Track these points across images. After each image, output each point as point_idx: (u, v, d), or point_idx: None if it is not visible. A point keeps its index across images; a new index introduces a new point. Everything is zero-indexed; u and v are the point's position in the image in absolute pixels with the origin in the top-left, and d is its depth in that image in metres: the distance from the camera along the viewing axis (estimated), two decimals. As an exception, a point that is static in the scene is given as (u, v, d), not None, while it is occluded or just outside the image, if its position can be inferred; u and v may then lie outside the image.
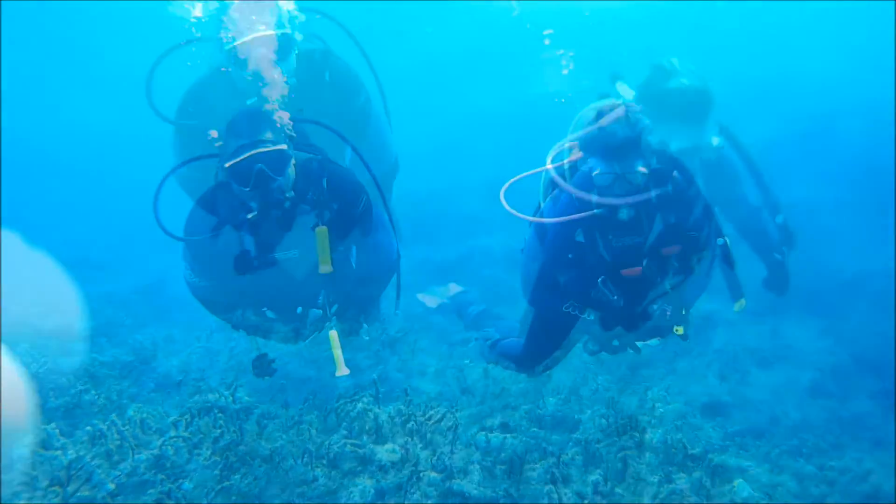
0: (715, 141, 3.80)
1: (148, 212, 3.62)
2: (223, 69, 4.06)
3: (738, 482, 4.98)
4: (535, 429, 3.19)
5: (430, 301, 5.55)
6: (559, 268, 3.68)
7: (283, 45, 3.43)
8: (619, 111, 3.32)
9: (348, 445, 3.42)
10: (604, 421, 3.28)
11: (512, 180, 3.77)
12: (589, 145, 3.41)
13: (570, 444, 3.16)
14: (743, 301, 3.90)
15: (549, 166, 3.67)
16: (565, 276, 3.67)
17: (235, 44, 3.31)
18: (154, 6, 5.66)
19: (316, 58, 3.71)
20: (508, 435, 3.24)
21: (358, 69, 4.73)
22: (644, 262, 3.47)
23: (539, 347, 3.98)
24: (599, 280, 3.58)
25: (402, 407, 3.72)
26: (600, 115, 3.47)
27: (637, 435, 3.22)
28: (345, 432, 3.65)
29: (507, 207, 3.57)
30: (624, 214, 3.33)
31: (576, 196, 3.41)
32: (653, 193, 3.29)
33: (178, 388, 4.92)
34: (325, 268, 3.79)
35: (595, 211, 3.36)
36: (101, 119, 20.39)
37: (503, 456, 3.02)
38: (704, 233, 3.54)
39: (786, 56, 18.77)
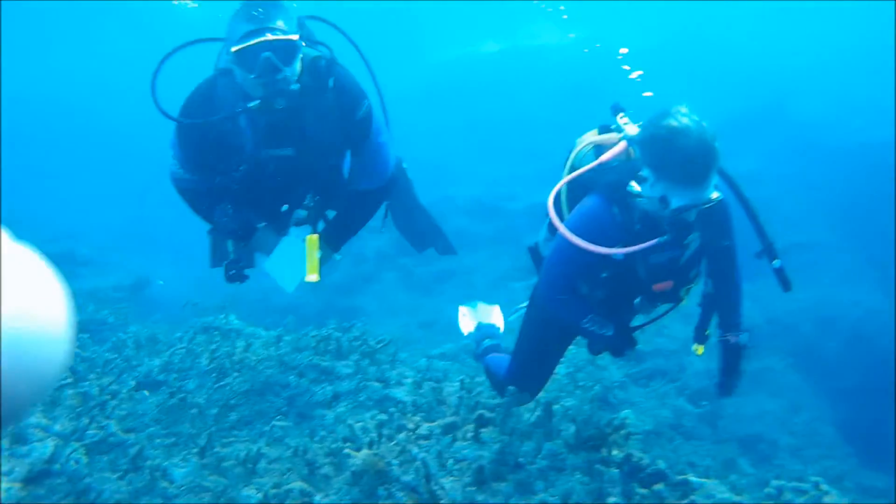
0: (714, 195, 3.84)
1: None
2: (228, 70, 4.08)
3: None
4: (506, 438, 3.27)
5: (467, 323, 5.19)
6: (586, 281, 3.47)
7: (289, 51, 3.39)
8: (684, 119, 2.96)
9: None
10: (571, 435, 3.36)
11: (557, 187, 3.44)
12: (658, 159, 2.99)
13: (539, 456, 3.25)
14: (701, 349, 3.67)
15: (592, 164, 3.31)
16: (592, 289, 3.49)
17: (239, 47, 3.33)
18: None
19: (321, 64, 3.64)
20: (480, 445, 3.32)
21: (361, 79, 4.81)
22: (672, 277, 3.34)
23: (529, 364, 3.85)
24: (637, 301, 3.50)
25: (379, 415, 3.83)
26: (600, 151, 3.37)
27: (604, 450, 3.32)
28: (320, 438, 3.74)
29: (562, 228, 3.19)
30: (691, 238, 3.15)
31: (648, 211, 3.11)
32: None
33: (158, 388, 4.99)
34: (313, 276, 3.85)
35: (663, 238, 3.06)
36: (93, 115, 20.39)
37: (474, 465, 3.10)
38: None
39: (742, 40, 19.40)
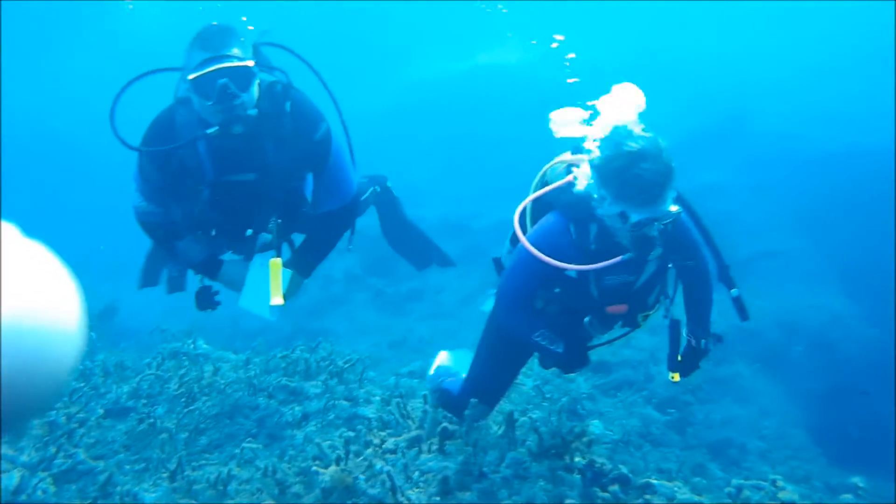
0: (673, 209, 3.80)
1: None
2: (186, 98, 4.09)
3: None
4: (469, 449, 3.33)
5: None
6: (541, 294, 3.53)
7: (245, 77, 3.42)
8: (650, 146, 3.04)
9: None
10: (534, 444, 3.43)
11: (525, 202, 3.56)
12: (615, 186, 3.06)
13: (503, 465, 3.31)
14: (677, 376, 3.65)
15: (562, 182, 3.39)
16: (546, 304, 3.55)
17: (196, 75, 3.37)
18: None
19: (277, 89, 3.67)
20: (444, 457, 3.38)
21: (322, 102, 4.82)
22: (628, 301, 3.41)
23: (486, 376, 3.90)
24: (587, 319, 3.52)
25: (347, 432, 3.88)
26: (570, 170, 3.42)
27: (567, 457, 3.40)
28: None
29: (528, 244, 3.31)
30: (655, 255, 3.20)
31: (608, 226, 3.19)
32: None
33: (127, 415, 4.98)
34: (277, 300, 3.87)
35: (627, 256, 3.17)
36: (59, 136, 20.19)
37: (439, 476, 3.16)
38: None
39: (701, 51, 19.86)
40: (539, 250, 3.25)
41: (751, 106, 15.63)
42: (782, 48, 19.73)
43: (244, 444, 4.62)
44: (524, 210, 3.60)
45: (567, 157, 3.60)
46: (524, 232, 3.47)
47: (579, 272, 3.30)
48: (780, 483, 3.40)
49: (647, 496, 3.07)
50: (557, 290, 3.47)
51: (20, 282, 0.75)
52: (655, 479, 3.47)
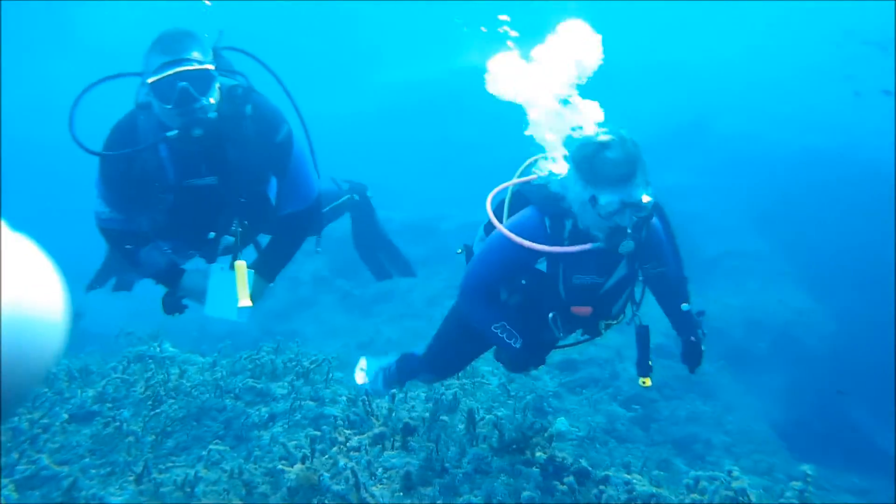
0: (645, 199, 3.58)
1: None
2: (147, 103, 3.96)
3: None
4: (432, 445, 3.38)
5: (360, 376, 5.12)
6: (506, 285, 3.54)
7: (205, 80, 3.42)
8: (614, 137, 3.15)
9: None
10: (495, 440, 3.49)
11: (500, 187, 3.63)
12: (586, 168, 3.15)
13: (465, 461, 3.37)
14: (648, 381, 3.63)
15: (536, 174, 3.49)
16: (510, 297, 3.55)
17: (155, 78, 3.37)
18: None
19: (238, 93, 3.66)
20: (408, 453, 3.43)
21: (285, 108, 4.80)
22: (594, 303, 3.42)
23: (444, 355, 3.98)
24: (550, 316, 3.50)
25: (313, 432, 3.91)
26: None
27: (528, 452, 3.47)
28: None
29: (496, 223, 3.41)
30: (626, 247, 3.14)
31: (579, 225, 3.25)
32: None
33: (92, 419, 4.95)
34: (245, 302, 3.87)
35: (595, 245, 3.19)
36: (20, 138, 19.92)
37: (402, 472, 3.21)
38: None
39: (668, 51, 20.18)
40: (509, 241, 3.29)
41: (710, 110, 15.92)
42: (740, 54, 20.11)
43: (211, 446, 4.62)
44: (502, 204, 3.63)
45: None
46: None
47: (550, 268, 3.37)
48: (736, 473, 3.49)
49: (602, 487, 3.15)
50: (524, 281, 3.47)
51: (10, 273, 0.78)
52: (614, 472, 3.55)
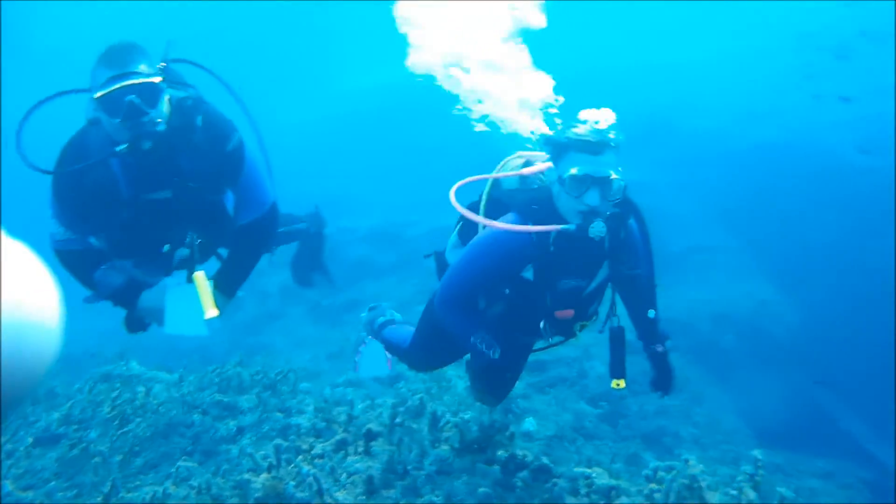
0: (614, 176, 3.30)
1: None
2: (96, 118, 3.84)
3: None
4: (393, 448, 3.44)
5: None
6: (487, 294, 3.43)
7: (153, 93, 3.39)
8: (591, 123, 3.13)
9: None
10: (456, 441, 3.56)
11: (462, 182, 3.50)
12: (560, 147, 3.14)
13: (428, 462, 3.44)
14: (622, 382, 3.54)
15: (515, 172, 3.39)
16: (491, 306, 3.45)
17: (102, 93, 3.34)
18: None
19: (188, 104, 3.63)
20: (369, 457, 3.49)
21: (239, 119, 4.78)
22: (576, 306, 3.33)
23: (427, 353, 3.86)
24: (542, 324, 3.40)
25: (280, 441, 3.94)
26: (527, 165, 3.41)
27: (490, 451, 3.54)
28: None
29: (465, 211, 3.29)
30: (596, 230, 3.02)
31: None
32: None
33: (58, 442, 4.93)
34: (212, 312, 3.86)
35: (566, 226, 3.08)
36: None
37: (364, 476, 3.27)
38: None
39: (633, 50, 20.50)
40: (496, 246, 3.20)
41: (674, 109, 16.17)
42: (702, 55, 20.46)
43: (179, 463, 4.64)
44: (477, 209, 3.53)
45: (523, 152, 3.58)
46: (473, 234, 3.42)
47: (537, 275, 3.26)
48: (692, 462, 3.59)
49: (556, 480, 3.23)
50: (507, 291, 3.36)
51: (9, 277, 0.79)
52: (574, 466, 3.63)
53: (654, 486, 3.51)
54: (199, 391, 5.51)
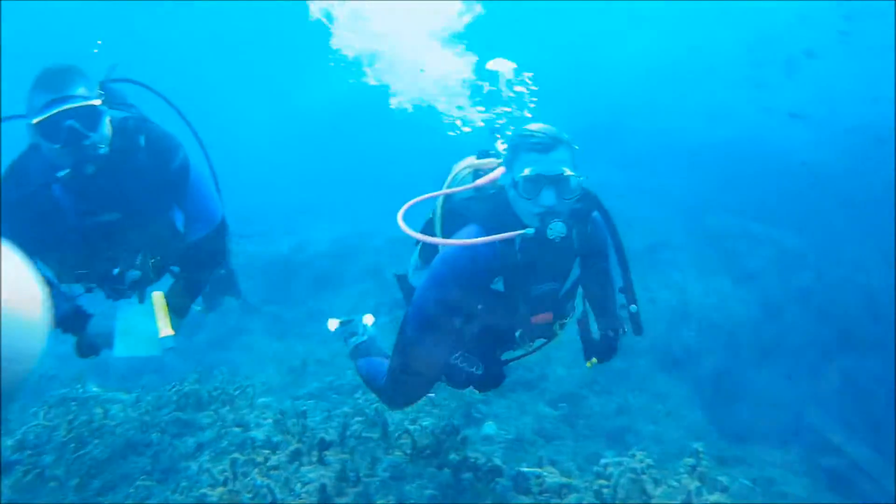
0: (567, 172, 3.24)
1: None
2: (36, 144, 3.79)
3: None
4: (346, 457, 3.49)
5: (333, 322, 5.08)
6: (460, 313, 3.26)
7: (93, 116, 3.31)
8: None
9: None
10: (408, 447, 3.61)
11: (411, 202, 3.38)
12: (513, 149, 3.10)
13: (381, 469, 3.49)
14: (595, 359, 3.53)
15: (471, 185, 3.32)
16: (467, 324, 3.29)
17: (40, 118, 3.22)
18: None
19: (129, 125, 3.59)
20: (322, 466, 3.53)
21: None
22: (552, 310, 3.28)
23: (404, 389, 3.58)
24: (517, 334, 3.35)
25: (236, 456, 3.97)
26: (478, 175, 3.37)
27: (442, 455, 3.60)
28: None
29: (412, 232, 3.20)
30: (556, 231, 2.94)
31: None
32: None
33: (12, 469, 4.87)
34: (168, 331, 3.85)
35: (525, 230, 2.99)
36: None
37: (317, 485, 3.31)
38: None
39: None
40: (460, 262, 3.09)
41: (625, 109, 16.43)
42: (649, 51, 20.79)
43: (138, 482, 4.62)
44: (433, 223, 3.47)
45: (471, 161, 3.55)
46: (435, 253, 3.32)
47: (508, 286, 3.16)
48: (639, 455, 3.69)
49: (505, 480, 3.30)
50: (480, 306, 3.22)
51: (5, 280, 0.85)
52: (526, 466, 3.71)
53: (602, 482, 3.60)
54: (157, 410, 5.49)
